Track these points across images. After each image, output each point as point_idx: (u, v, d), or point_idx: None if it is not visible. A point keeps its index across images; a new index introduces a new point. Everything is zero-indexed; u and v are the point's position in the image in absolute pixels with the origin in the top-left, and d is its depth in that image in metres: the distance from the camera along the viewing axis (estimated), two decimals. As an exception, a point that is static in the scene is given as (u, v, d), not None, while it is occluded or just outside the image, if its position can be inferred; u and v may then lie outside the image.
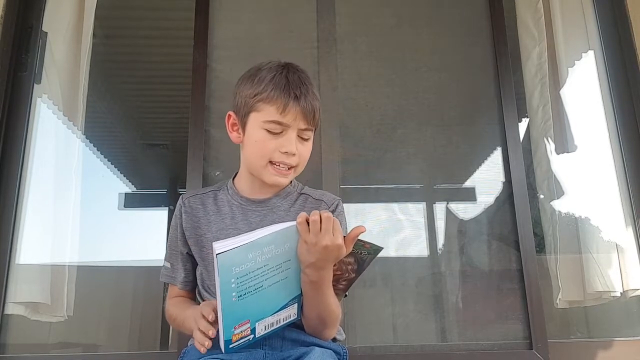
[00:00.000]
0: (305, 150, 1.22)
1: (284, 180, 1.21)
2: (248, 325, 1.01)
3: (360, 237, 1.05)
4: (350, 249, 1.06)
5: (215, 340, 1.04)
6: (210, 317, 1.03)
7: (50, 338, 2.06)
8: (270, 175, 1.20)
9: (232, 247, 0.93)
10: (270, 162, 1.19)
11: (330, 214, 1.01)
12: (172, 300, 1.29)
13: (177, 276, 1.27)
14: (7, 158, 1.89)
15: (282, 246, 1.00)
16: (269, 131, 1.17)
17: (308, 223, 1.00)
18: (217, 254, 0.91)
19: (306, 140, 1.22)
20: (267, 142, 1.17)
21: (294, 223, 1.01)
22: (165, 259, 1.30)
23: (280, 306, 1.06)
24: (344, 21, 2.19)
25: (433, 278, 2.15)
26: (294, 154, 1.18)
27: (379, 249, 1.09)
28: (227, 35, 2.19)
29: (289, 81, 1.17)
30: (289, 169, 1.20)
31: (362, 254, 1.10)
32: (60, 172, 1.96)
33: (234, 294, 0.95)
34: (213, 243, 0.93)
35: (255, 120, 1.18)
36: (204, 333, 1.03)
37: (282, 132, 1.17)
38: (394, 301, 2.09)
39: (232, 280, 0.94)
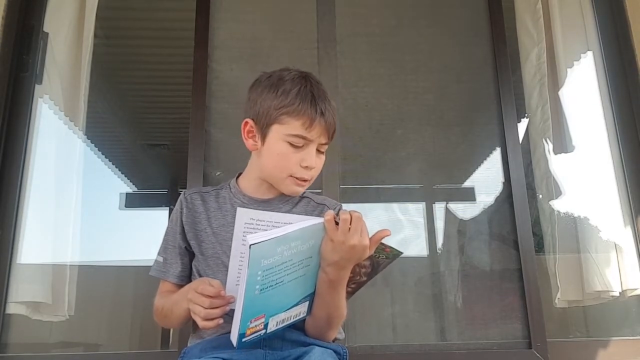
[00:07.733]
0: (320, 162, 1.24)
1: (301, 190, 1.24)
2: (263, 319, 1.00)
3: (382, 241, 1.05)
4: (372, 252, 1.06)
5: (214, 341, 1.04)
6: (204, 290, 1.02)
7: (52, 337, 2.07)
8: (289, 185, 1.21)
9: (265, 239, 0.91)
10: (290, 175, 1.20)
11: (360, 214, 1.02)
12: (160, 294, 1.27)
13: (170, 270, 1.26)
14: (8, 158, 1.90)
15: (307, 242, 1.00)
16: (291, 144, 1.17)
17: (336, 222, 1.01)
18: (250, 245, 0.90)
19: (322, 152, 1.23)
20: (290, 155, 1.18)
21: (321, 220, 1.01)
22: (159, 253, 1.29)
23: (294, 302, 1.06)
24: (344, 21, 2.19)
25: (432, 278, 2.16)
26: (313, 168, 1.20)
27: (399, 254, 1.09)
28: (228, 36, 2.20)
29: (315, 96, 1.17)
30: (305, 180, 1.22)
31: (380, 258, 1.10)
32: (61, 172, 1.97)
33: (257, 287, 0.95)
34: (247, 236, 0.92)
35: (278, 133, 1.18)
36: (202, 307, 1.03)
37: (303, 145, 1.18)
38: (394, 301, 2.10)
39: (259, 272, 0.93)
